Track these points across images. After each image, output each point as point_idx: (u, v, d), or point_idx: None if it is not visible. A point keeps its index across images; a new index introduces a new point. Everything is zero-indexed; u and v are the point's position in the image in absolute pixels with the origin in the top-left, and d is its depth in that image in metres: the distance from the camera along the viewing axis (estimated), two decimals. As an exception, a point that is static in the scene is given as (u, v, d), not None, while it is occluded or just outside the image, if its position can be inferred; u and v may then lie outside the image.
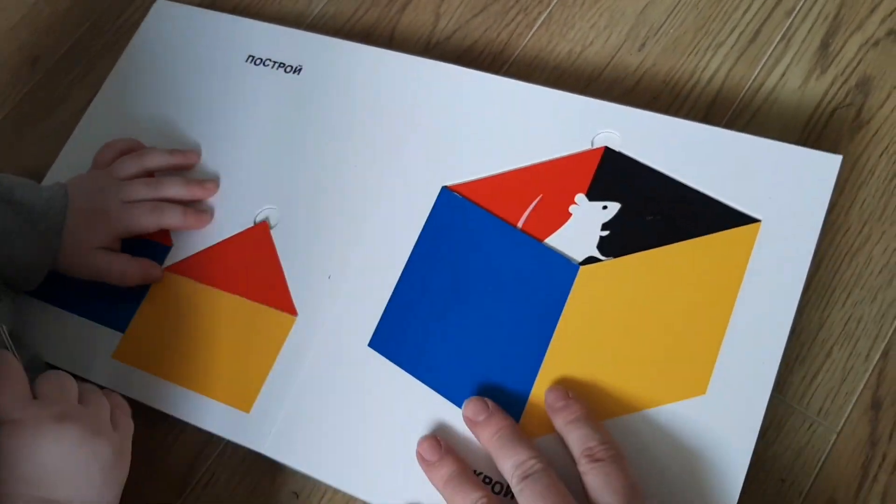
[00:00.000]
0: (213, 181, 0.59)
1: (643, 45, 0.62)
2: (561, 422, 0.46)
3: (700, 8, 0.62)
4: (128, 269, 0.56)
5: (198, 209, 0.58)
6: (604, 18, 0.63)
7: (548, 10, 0.65)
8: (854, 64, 0.58)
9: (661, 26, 0.62)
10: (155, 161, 0.59)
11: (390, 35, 0.66)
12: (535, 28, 0.64)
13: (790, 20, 0.60)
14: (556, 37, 0.64)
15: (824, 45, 0.59)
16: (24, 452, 0.41)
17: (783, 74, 0.59)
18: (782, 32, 0.60)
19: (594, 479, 0.42)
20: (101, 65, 0.70)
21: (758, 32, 0.60)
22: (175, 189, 0.58)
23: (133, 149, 0.61)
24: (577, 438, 0.44)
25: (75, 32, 0.72)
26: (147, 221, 0.57)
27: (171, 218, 0.57)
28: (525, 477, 0.43)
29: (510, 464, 0.44)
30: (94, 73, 0.70)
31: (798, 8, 0.60)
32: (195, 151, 0.61)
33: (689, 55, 0.61)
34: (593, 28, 0.63)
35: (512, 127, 0.56)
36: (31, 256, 0.55)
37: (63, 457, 0.42)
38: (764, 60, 0.59)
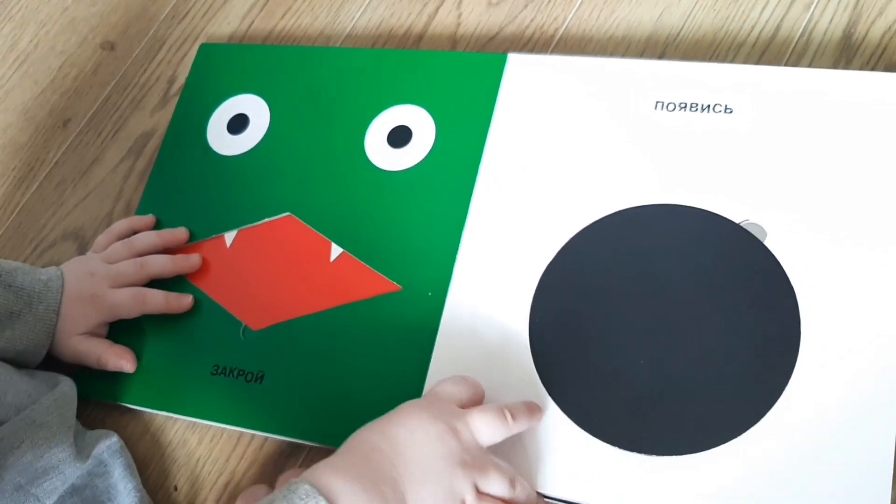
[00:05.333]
0: (197, 255, 0.62)
1: (663, 52, 0.62)
2: None
3: (717, 10, 0.62)
4: (102, 355, 0.59)
5: (179, 294, 0.60)
6: (621, 29, 0.63)
7: (564, 25, 0.65)
8: (879, 52, 0.57)
9: (679, 32, 0.62)
10: (144, 244, 0.62)
11: (420, 37, 0.68)
12: (553, 44, 0.65)
13: (809, 13, 0.60)
14: (576, 51, 0.64)
15: (847, 35, 0.58)
16: None
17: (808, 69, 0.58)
18: (803, 26, 0.60)
19: None
20: (131, 122, 0.72)
21: (778, 28, 0.60)
22: (160, 265, 0.61)
23: (134, 229, 0.64)
24: None
25: (102, 92, 0.74)
26: (130, 308, 0.59)
27: (154, 304, 0.60)
28: None
29: None
30: (124, 131, 0.71)
31: (816, 0, 0.60)
32: (184, 229, 0.63)
33: (709, 58, 0.60)
34: (611, 40, 0.63)
35: None
36: (30, 339, 0.57)
37: None
38: (787, 56, 0.59)
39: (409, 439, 0.46)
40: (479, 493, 0.46)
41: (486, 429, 0.47)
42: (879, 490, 0.45)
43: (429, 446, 0.45)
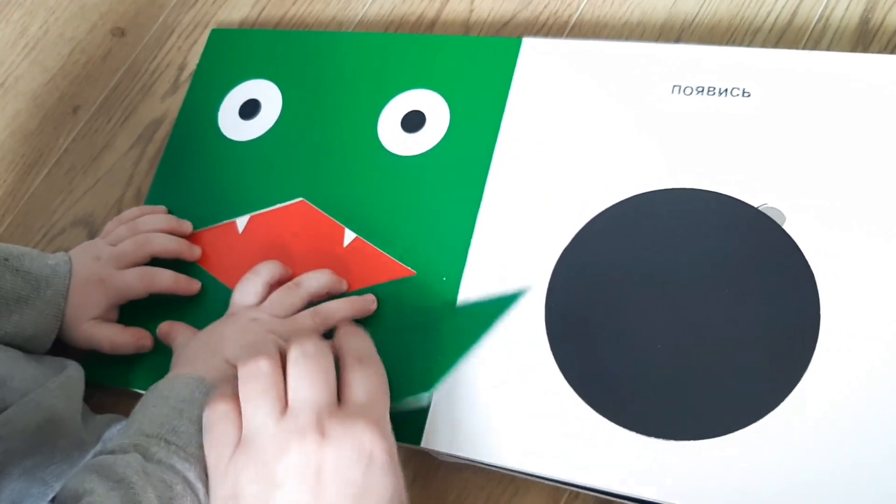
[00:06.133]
0: (198, 247, 0.61)
1: (678, 38, 0.61)
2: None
3: (733, -6, 0.61)
4: (118, 339, 0.58)
5: (189, 277, 0.60)
6: (636, 15, 0.63)
7: (578, 11, 0.65)
8: (896, 37, 0.57)
9: (694, 17, 0.62)
10: (148, 226, 0.61)
11: (433, 23, 0.68)
12: (567, 30, 0.64)
13: (826, -1, 0.59)
14: (590, 37, 0.63)
15: (864, 20, 0.58)
16: None
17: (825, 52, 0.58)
18: (819, 11, 0.59)
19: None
20: (141, 108, 0.71)
21: (794, 14, 0.60)
22: (161, 243, 0.60)
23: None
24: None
25: (112, 78, 0.74)
26: (138, 288, 0.59)
27: (162, 283, 0.59)
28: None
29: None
30: (134, 118, 0.71)
31: (833, -15, 0.60)
32: (188, 223, 0.62)
33: (725, 44, 0.60)
34: (625, 26, 0.63)
35: None
36: (38, 324, 0.56)
37: None
38: (803, 42, 0.59)
39: (216, 332, 0.54)
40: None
41: (276, 302, 0.55)
42: None
43: (231, 328, 0.53)
